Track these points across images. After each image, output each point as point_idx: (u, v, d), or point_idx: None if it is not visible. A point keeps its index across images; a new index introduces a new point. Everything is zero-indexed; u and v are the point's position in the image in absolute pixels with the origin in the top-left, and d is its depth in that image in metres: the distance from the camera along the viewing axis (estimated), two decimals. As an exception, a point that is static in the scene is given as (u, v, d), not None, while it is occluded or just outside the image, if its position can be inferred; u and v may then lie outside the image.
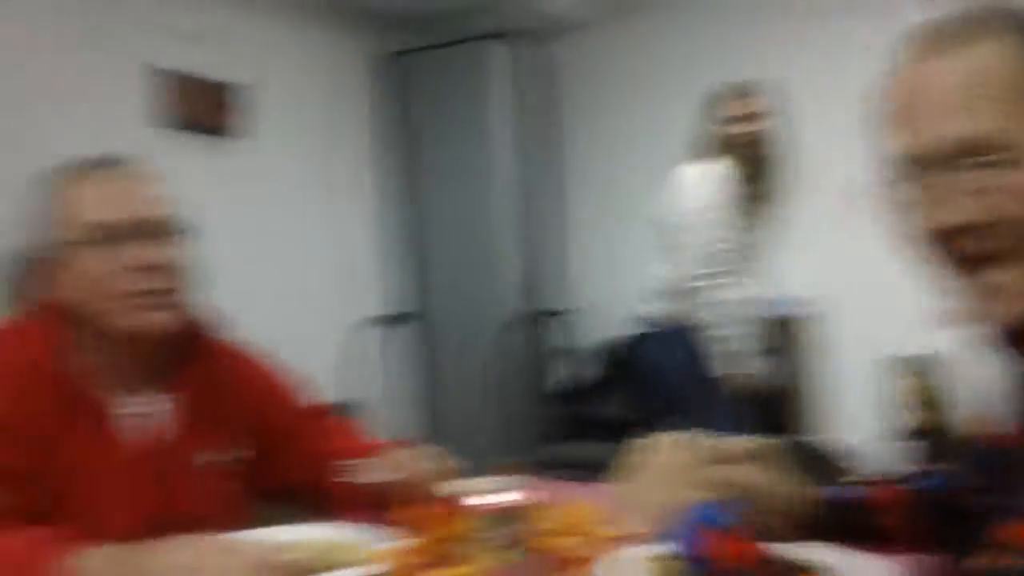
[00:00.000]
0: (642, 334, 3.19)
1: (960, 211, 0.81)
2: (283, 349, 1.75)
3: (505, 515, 1.13)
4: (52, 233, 1.30)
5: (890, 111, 0.86)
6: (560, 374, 4.60)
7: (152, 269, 1.29)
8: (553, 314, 4.64)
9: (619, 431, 2.62)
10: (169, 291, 1.32)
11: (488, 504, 1.15)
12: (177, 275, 1.34)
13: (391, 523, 1.26)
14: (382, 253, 4.58)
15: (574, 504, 1.27)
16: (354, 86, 4.47)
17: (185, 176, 3.42)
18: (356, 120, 4.48)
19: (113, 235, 1.27)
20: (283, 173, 4.03)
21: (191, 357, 1.41)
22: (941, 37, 0.85)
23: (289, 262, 4.03)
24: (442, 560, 1.13)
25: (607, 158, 4.73)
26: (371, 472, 1.37)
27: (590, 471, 1.55)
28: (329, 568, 1.17)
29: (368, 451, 1.48)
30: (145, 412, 1.35)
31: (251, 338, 1.58)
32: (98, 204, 1.29)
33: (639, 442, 1.17)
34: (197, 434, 1.40)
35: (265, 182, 3.93)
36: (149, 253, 1.28)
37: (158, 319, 1.31)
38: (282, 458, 1.53)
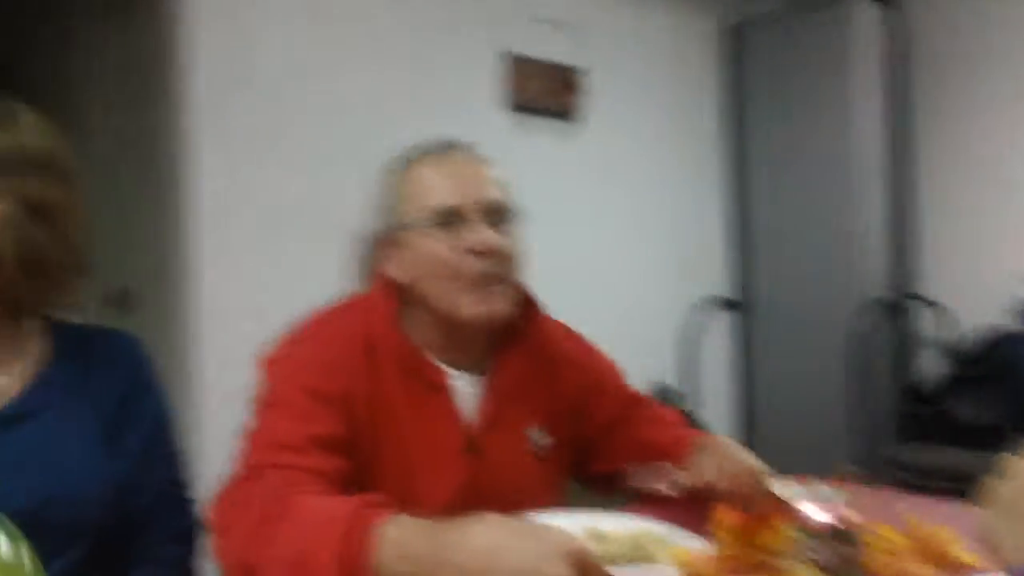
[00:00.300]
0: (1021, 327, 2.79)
1: None
2: (618, 332, 1.72)
3: (836, 530, 1.00)
4: (395, 215, 1.35)
5: None
6: (917, 368, 4.20)
7: (490, 253, 1.30)
8: (910, 301, 4.24)
9: (985, 438, 2.30)
10: (505, 276, 1.32)
11: (817, 515, 1.03)
12: (513, 260, 1.34)
13: (706, 523, 1.17)
14: (725, 237, 4.43)
15: (921, 522, 1.11)
16: (697, 63, 4.35)
17: (532, 159, 3.55)
18: (699, 97, 4.36)
19: (454, 219, 1.30)
20: (625, 154, 4.01)
21: (517, 336, 1.41)
22: None
23: (628, 244, 4.02)
24: (757, 571, 1.02)
25: (971, 128, 4.22)
26: (676, 479, 1.30)
27: (947, 481, 1.36)
28: (637, 562, 1.11)
29: (689, 445, 1.40)
30: (470, 388, 1.37)
31: (583, 321, 1.56)
32: (440, 187, 1.31)
33: (1014, 455, 0.98)
34: (517, 413, 1.40)
35: (607, 163, 3.94)
36: (488, 237, 1.29)
37: (493, 304, 1.31)
38: (602, 444, 1.50)
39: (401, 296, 1.36)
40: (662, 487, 1.31)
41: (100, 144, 3.28)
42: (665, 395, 3.83)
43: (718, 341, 4.35)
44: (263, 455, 1.18)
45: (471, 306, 1.30)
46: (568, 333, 1.53)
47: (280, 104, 2.91)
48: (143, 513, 1.23)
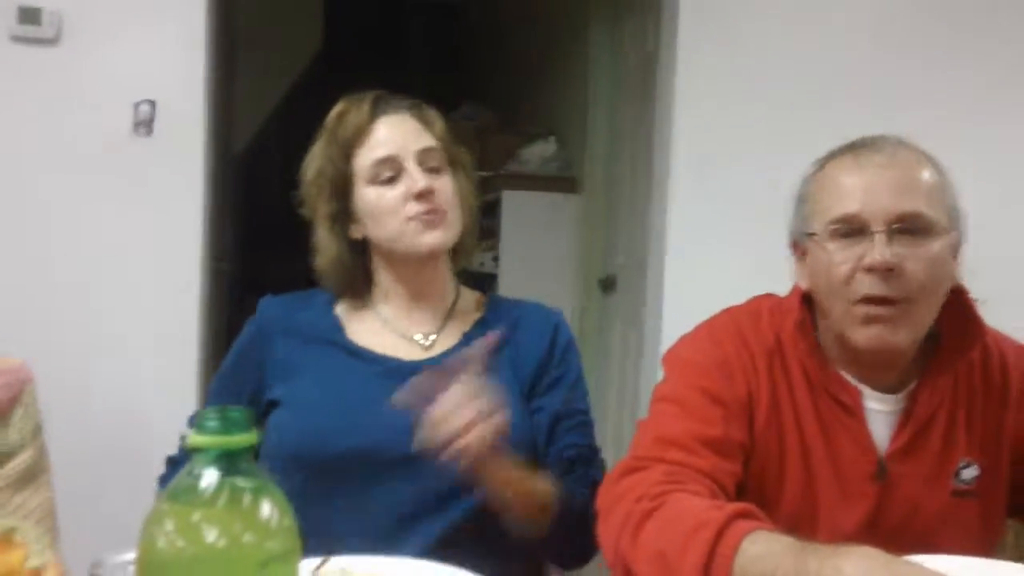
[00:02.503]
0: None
1: None
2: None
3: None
4: (803, 218, 1.27)
5: None
6: None
7: (887, 273, 1.17)
8: None
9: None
10: (905, 299, 1.18)
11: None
12: (921, 282, 1.18)
13: None
14: None
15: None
16: None
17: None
18: None
19: (853, 230, 1.19)
20: None
21: (953, 355, 1.28)
22: None
23: None
24: None
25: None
26: None
27: None
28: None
29: None
30: (887, 409, 1.26)
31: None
32: (844, 193, 1.20)
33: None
34: (940, 442, 1.26)
35: None
36: (885, 254, 1.16)
37: (884, 332, 1.19)
38: None
39: (811, 305, 1.29)
40: None
41: (601, 144, 3.57)
42: None
43: None
44: (651, 449, 1.20)
45: (860, 332, 1.20)
46: (1018, 350, 1.34)
47: (760, 98, 2.90)
48: (550, 470, 1.33)
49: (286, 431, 1.32)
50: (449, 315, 1.43)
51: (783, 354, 1.27)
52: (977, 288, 1.30)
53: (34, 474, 1.23)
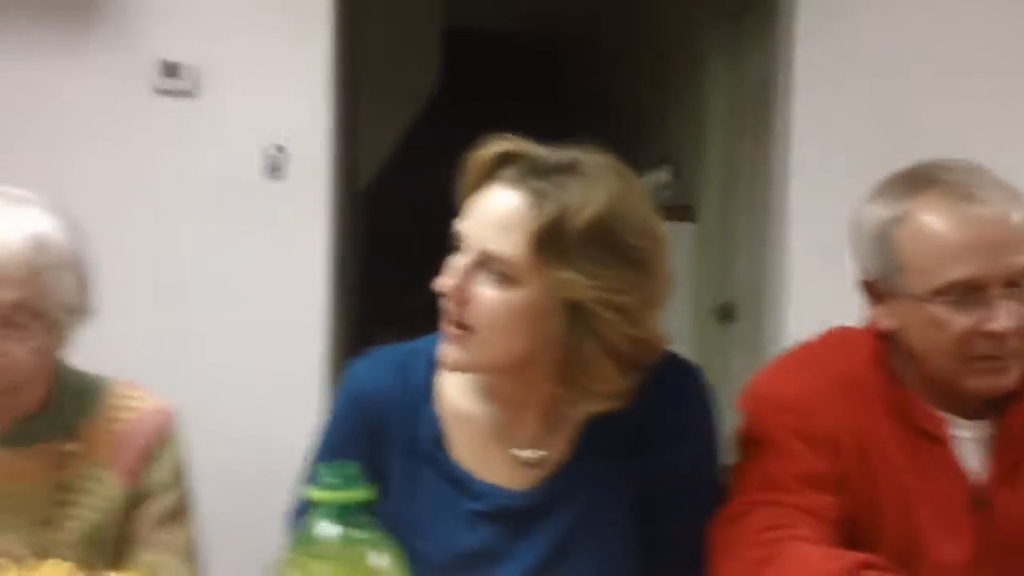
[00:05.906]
0: None
1: None
2: None
3: None
4: (894, 268, 1.20)
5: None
6: None
7: (1010, 335, 1.13)
8: None
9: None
10: (1021, 349, 1.16)
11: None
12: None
13: None
14: None
15: None
16: None
17: None
18: None
19: (971, 294, 1.14)
20: None
21: None
22: None
23: None
24: None
25: None
26: None
27: None
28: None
29: None
30: (975, 436, 1.23)
31: None
32: (958, 255, 1.14)
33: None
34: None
35: None
36: (1010, 319, 1.12)
37: (1001, 378, 1.17)
38: None
39: (891, 336, 1.24)
40: None
41: (717, 172, 3.56)
42: None
43: None
44: (753, 492, 1.18)
45: (975, 381, 1.18)
46: None
47: (881, 123, 2.84)
48: None
49: None
50: (558, 417, 1.17)
51: (860, 386, 1.25)
52: None
53: (179, 513, 1.27)
